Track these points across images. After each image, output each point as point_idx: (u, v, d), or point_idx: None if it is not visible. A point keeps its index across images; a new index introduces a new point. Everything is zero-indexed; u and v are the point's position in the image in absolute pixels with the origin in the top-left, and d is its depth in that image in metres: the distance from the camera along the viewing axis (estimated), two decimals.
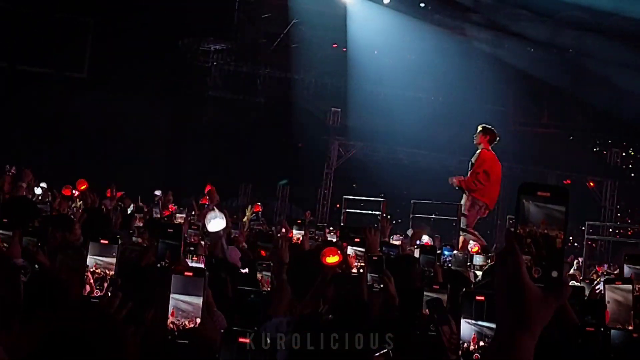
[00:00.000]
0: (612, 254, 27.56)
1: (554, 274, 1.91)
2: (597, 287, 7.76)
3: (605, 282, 5.29)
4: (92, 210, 10.49)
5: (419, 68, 28.81)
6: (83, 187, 14.12)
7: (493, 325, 2.91)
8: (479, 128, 14.58)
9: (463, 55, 29.63)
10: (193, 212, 13.26)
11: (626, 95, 27.26)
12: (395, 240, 11.44)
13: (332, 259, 5.65)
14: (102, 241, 3.92)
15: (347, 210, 17.57)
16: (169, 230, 4.36)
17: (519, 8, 27.82)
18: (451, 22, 29.02)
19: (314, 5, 27.65)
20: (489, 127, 14.59)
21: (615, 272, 16.39)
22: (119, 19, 25.43)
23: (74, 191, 13.24)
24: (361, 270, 6.04)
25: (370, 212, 17.96)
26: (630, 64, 26.22)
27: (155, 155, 27.48)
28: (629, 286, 5.03)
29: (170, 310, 3.46)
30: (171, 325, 3.41)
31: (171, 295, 3.47)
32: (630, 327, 4.95)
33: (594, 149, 32.09)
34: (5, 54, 26.47)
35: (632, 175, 32.30)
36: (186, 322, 3.47)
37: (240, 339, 3.02)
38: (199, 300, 3.46)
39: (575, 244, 26.83)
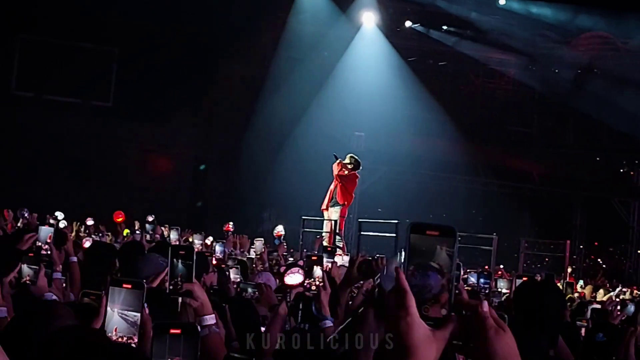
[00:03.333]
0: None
1: (443, 311, 1.94)
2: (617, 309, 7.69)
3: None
4: (129, 244, 10.34)
5: (442, 91, 28.80)
6: (120, 219, 14.18)
7: None
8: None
9: (486, 78, 29.61)
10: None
11: None
12: None
13: (291, 280, 5.79)
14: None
15: (363, 233, 17.61)
16: (181, 252, 4.35)
17: (542, 30, 27.83)
18: (473, 46, 29.04)
19: (334, 30, 27.85)
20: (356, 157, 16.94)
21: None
22: (143, 47, 25.62)
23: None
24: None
25: (384, 234, 18.09)
26: None
27: (182, 181, 27.58)
28: None
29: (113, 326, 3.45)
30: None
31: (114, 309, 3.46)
32: None
33: (621, 170, 31.86)
34: (31, 84, 26.75)
35: None
36: (125, 339, 3.45)
37: (172, 330, 3.02)
38: (136, 316, 3.46)
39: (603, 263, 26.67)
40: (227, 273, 8.78)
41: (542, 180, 29.95)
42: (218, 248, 11.47)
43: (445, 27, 29.21)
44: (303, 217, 18.62)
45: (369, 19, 28.11)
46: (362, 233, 17.47)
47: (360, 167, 16.84)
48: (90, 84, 27.26)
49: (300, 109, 27.39)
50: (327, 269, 7.81)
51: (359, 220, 17.58)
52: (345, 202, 16.70)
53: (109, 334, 3.42)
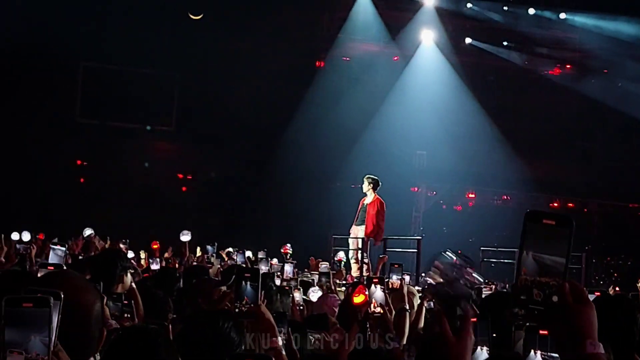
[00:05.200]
0: None
1: (554, 298, 2.04)
2: None
3: None
4: (192, 268, 10.30)
5: (504, 106, 28.54)
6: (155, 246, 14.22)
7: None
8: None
9: (548, 93, 29.29)
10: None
11: None
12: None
13: (358, 299, 5.80)
14: None
15: (388, 249, 17.53)
16: (246, 274, 4.35)
17: (604, 43, 27.50)
18: (535, 60, 28.82)
19: (391, 49, 27.90)
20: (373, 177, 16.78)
21: None
22: (204, 71, 25.87)
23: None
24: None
25: (408, 250, 18.12)
26: None
27: (244, 203, 27.64)
28: None
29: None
30: None
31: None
32: None
33: None
34: (95, 111, 27.13)
35: None
36: None
37: None
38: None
39: None
40: (291, 295, 8.70)
41: (608, 194, 29.50)
42: (287, 268, 11.38)
43: (505, 43, 29.05)
44: (334, 236, 18.50)
45: (428, 37, 28.06)
46: (387, 249, 17.42)
47: (380, 185, 16.68)
48: (152, 109, 27.59)
49: (359, 128, 27.34)
50: (396, 286, 7.69)
51: (384, 237, 17.48)
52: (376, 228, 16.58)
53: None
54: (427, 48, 28.29)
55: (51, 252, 6.53)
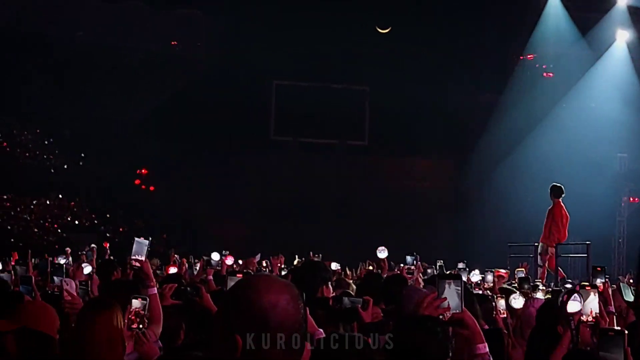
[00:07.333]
0: None
1: None
2: None
3: None
4: (392, 277, 10.34)
5: None
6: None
7: None
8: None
9: None
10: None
11: None
12: None
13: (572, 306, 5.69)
14: None
15: (560, 255, 17.08)
16: (448, 281, 4.33)
17: None
18: None
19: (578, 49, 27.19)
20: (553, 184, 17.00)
21: None
22: (393, 85, 25.88)
23: None
24: None
25: (578, 255, 17.71)
26: None
27: (442, 217, 27.42)
28: None
29: None
30: None
31: None
32: None
33: None
34: (289, 128, 27.67)
35: None
36: None
37: None
38: None
39: None
40: (494, 303, 8.55)
41: None
42: (489, 277, 11.32)
43: None
44: (509, 244, 18.56)
45: (621, 36, 27.18)
46: (561, 255, 16.99)
47: (562, 192, 16.69)
48: (345, 124, 27.85)
49: (556, 133, 26.67)
50: (600, 290, 7.43)
51: (556, 244, 17.02)
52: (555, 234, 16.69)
53: None
54: (619, 47, 27.41)
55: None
